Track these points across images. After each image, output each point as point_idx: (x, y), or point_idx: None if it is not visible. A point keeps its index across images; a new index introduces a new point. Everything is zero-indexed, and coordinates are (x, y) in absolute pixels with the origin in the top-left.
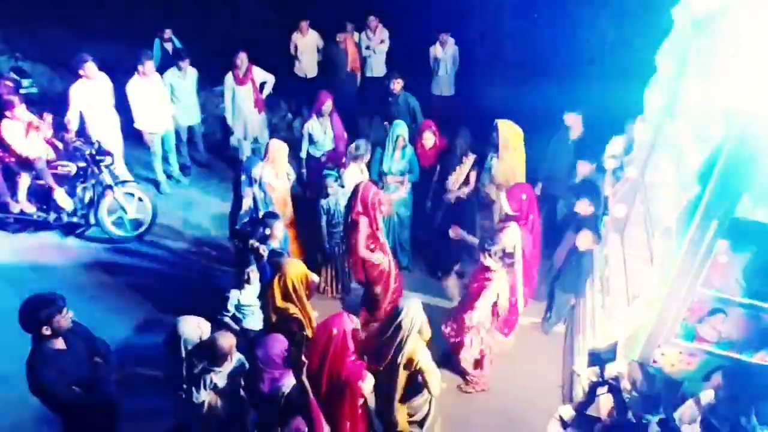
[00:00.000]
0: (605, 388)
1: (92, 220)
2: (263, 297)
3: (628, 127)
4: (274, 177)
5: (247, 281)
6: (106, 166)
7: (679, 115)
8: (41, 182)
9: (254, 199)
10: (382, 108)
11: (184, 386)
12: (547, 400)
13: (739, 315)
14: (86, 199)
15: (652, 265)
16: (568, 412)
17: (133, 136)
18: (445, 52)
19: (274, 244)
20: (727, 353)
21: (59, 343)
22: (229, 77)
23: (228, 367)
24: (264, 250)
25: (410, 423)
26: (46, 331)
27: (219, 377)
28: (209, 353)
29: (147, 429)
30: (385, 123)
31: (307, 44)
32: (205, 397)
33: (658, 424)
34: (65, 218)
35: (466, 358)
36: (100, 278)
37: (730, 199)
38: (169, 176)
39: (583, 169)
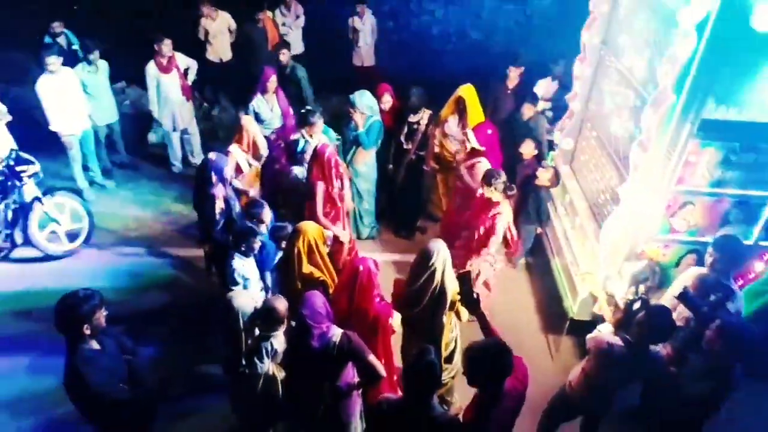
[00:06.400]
0: (639, 303)
1: (19, 240)
2: (283, 269)
3: (554, 68)
4: (245, 160)
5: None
6: (30, 176)
7: (626, 46)
8: None
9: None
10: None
11: (244, 361)
12: (529, 325)
13: (704, 203)
14: (9, 217)
15: (630, 175)
16: (606, 328)
17: (46, 144)
18: (363, 22)
19: (263, 229)
20: (696, 238)
21: (95, 344)
22: (151, 66)
23: (282, 330)
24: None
25: None
26: (87, 330)
27: (278, 342)
28: (267, 319)
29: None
30: None
31: (218, 27)
32: (268, 365)
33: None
34: None
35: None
36: (44, 299)
37: (699, 104)
38: (91, 182)
39: (528, 111)
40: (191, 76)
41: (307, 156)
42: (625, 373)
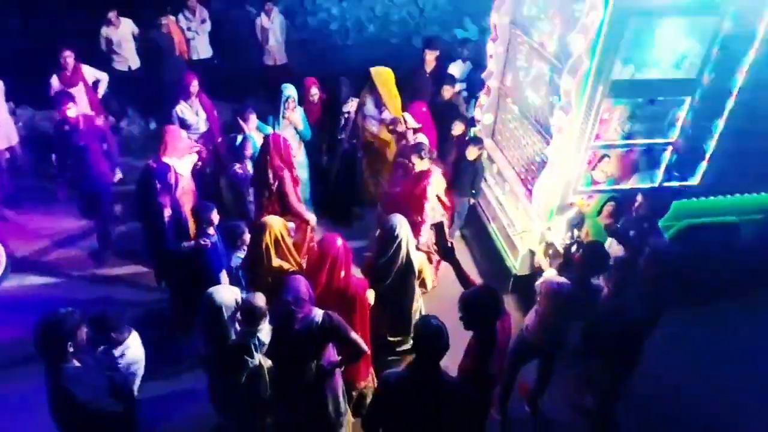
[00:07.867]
0: (575, 245)
1: None
2: (251, 265)
3: (462, 51)
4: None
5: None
6: None
7: (534, 23)
8: None
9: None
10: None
11: (232, 355)
12: None
13: (618, 155)
14: None
15: (553, 137)
16: (551, 273)
17: None
18: (271, 21)
19: (211, 231)
20: (613, 187)
21: (76, 361)
22: (54, 80)
23: (266, 322)
24: (206, 241)
25: None
26: (70, 348)
27: (264, 334)
28: (251, 318)
29: None
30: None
31: (123, 34)
32: (258, 358)
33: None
34: None
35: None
36: None
37: (609, 67)
38: None
39: (447, 92)
40: (102, 90)
41: (247, 151)
42: (574, 307)
